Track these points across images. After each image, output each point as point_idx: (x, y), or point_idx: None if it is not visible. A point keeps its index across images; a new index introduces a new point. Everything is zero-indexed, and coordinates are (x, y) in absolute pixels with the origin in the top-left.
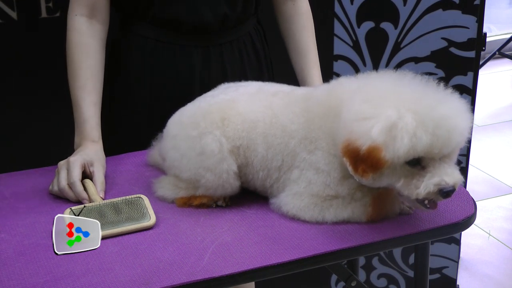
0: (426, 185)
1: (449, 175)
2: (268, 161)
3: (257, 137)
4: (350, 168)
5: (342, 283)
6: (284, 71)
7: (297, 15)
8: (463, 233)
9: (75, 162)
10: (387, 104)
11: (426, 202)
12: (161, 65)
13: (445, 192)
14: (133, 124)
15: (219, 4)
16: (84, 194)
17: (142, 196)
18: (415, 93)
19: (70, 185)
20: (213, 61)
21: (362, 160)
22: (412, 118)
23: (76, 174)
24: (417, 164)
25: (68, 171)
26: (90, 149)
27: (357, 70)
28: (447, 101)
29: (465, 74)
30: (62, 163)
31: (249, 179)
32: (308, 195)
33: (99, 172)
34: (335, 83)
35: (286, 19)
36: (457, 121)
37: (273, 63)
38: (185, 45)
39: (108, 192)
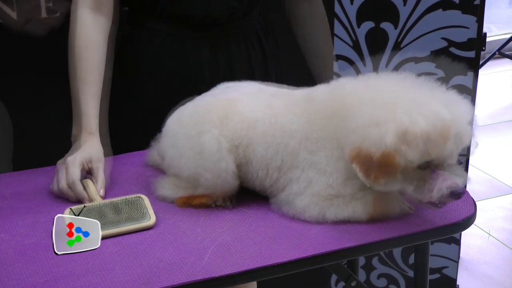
0: (439, 188)
1: (459, 176)
2: (267, 160)
3: (256, 136)
4: (360, 174)
5: (342, 283)
6: (288, 63)
7: (311, 18)
8: (463, 233)
9: (74, 161)
10: (399, 109)
11: (437, 202)
12: (170, 59)
13: (457, 194)
14: (142, 118)
15: None
16: (84, 194)
17: (142, 196)
18: (424, 96)
19: (70, 185)
20: (220, 54)
21: (375, 167)
22: (425, 122)
23: (75, 174)
24: (428, 167)
25: (67, 171)
26: (87, 144)
27: (357, 70)
28: (455, 103)
29: (465, 74)
30: (60, 163)
31: (249, 178)
32: (309, 194)
33: (98, 170)
34: (335, 84)
35: (301, 22)
36: (466, 123)
37: (279, 54)
38: (194, 38)
39: (108, 192)
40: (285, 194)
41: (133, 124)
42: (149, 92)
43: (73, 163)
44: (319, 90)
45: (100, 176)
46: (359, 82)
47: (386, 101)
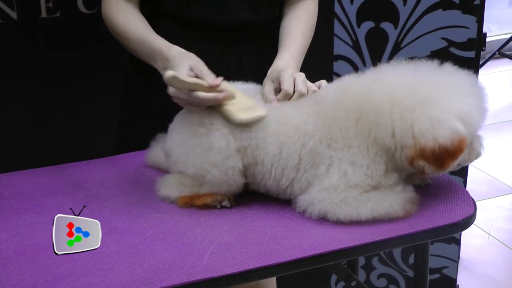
0: (480, 147)
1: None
2: (282, 160)
3: (267, 135)
4: (431, 168)
5: (342, 283)
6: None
7: (295, 10)
8: (463, 233)
9: (180, 71)
10: (446, 101)
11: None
12: None
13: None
14: (149, 119)
15: (241, 10)
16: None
17: None
18: (455, 84)
19: (195, 69)
20: (231, 58)
21: (451, 155)
22: (472, 101)
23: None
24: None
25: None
26: (179, 58)
27: (357, 70)
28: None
29: None
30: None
31: (259, 179)
32: (345, 187)
33: (203, 69)
34: (341, 84)
35: (285, 15)
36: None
37: None
38: (203, 40)
39: (108, 192)
40: (318, 190)
41: (141, 125)
42: (158, 92)
43: (180, 71)
44: (327, 92)
45: (207, 72)
46: (363, 79)
47: (427, 99)
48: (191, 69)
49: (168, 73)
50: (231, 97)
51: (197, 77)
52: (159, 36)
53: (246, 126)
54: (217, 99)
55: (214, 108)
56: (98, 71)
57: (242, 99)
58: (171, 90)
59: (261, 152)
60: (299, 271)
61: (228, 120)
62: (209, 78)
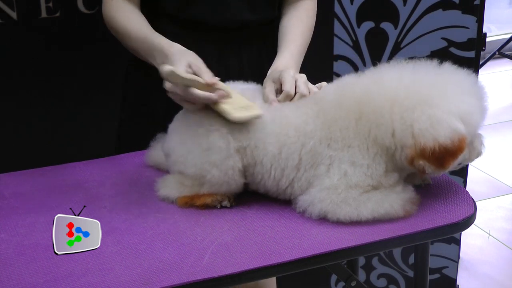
0: (481, 146)
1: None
2: (281, 160)
3: (266, 136)
4: (432, 168)
5: (342, 283)
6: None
7: (294, 10)
8: (463, 233)
9: (178, 67)
10: (445, 101)
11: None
12: None
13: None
14: (149, 119)
15: (241, 10)
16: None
17: None
18: (455, 84)
19: (195, 68)
20: (230, 59)
21: (451, 154)
22: (472, 101)
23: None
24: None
25: (176, 74)
26: (178, 55)
27: (357, 70)
28: (468, 79)
29: None
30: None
31: (259, 179)
32: (346, 187)
33: (200, 67)
34: (341, 84)
35: (284, 15)
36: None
37: None
38: (202, 41)
39: (108, 192)
40: (318, 190)
41: (141, 125)
42: (158, 91)
43: (178, 67)
44: (328, 91)
45: (205, 69)
46: (361, 79)
47: (426, 98)
48: (189, 66)
49: (166, 68)
50: (226, 96)
51: (195, 74)
52: (160, 34)
53: (242, 125)
54: (211, 98)
55: (211, 106)
56: (98, 71)
57: (238, 98)
58: (167, 85)
59: (260, 153)
60: (299, 271)
61: (225, 118)
62: (206, 75)
